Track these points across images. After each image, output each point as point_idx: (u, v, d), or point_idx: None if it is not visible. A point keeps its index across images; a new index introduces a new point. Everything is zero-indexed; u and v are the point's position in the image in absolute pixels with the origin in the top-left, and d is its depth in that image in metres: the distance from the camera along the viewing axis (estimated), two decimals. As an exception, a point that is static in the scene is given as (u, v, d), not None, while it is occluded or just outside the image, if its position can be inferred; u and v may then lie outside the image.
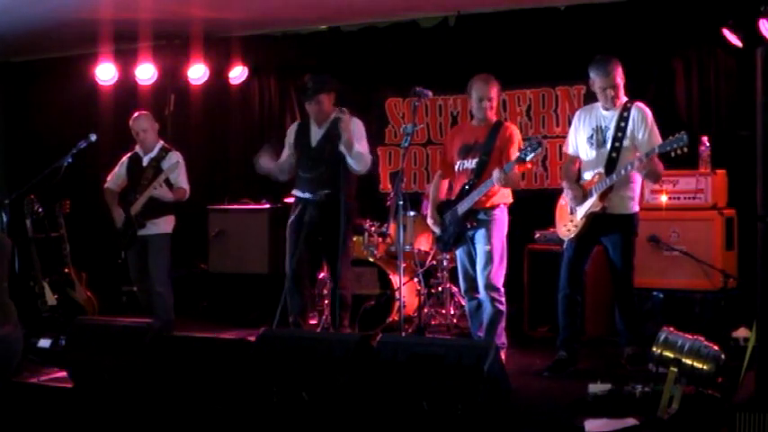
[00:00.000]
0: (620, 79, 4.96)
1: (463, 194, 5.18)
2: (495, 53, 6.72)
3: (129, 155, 6.31)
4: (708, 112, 6.34)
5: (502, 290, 5.15)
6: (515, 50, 6.84)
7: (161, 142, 6.26)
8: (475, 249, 5.18)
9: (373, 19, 7.33)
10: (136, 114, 6.26)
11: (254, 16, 7.20)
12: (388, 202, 6.53)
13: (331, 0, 6.80)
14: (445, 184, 5.44)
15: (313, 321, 6.74)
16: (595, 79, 5.01)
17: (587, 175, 5.07)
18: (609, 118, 5.01)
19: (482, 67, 5.35)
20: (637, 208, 5.08)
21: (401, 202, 5.09)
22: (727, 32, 5.75)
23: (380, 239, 6.52)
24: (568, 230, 5.10)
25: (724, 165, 5.93)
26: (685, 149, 4.57)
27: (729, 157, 5.96)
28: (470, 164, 5.20)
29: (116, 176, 6.29)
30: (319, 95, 5.55)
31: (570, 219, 5.09)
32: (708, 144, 5.87)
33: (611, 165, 4.92)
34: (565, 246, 5.18)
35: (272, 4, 6.86)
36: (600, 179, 4.92)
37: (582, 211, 5.00)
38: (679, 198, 5.86)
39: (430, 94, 5.24)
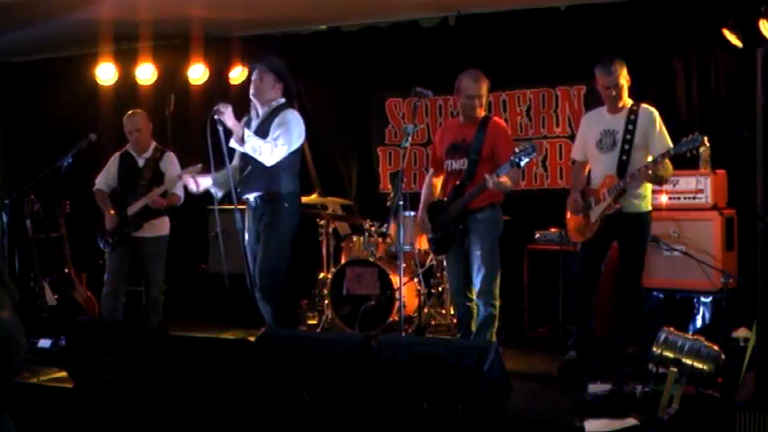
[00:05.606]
0: (623, 80, 4.97)
1: (455, 196, 5.15)
2: (496, 53, 6.71)
3: (119, 153, 6.19)
4: (708, 112, 6.34)
5: (497, 293, 5.11)
6: (515, 50, 6.83)
7: (154, 142, 6.18)
8: (466, 252, 5.16)
9: (373, 19, 7.31)
10: (130, 112, 6.16)
11: (254, 16, 7.19)
12: (388, 203, 6.53)
13: (331, 0, 6.80)
14: (437, 182, 5.41)
15: (313, 321, 6.76)
16: (599, 78, 5.01)
17: (598, 179, 5.05)
18: (616, 121, 5.00)
19: (482, 68, 5.32)
20: (649, 207, 5.09)
21: (401, 202, 5.08)
22: (727, 32, 5.75)
23: (380, 239, 6.51)
24: (583, 235, 5.07)
25: (724, 165, 5.92)
26: (701, 150, 4.60)
27: (729, 157, 5.95)
28: (460, 164, 5.17)
29: (107, 177, 6.13)
30: (261, 67, 5.18)
31: (585, 223, 5.06)
32: (708, 144, 5.86)
33: (621, 167, 4.92)
34: (579, 247, 5.18)
35: (272, 4, 6.85)
36: (612, 182, 4.91)
37: (596, 213, 4.98)
38: (679, 198, 5.86)
39: (430, 93, 5.18)
